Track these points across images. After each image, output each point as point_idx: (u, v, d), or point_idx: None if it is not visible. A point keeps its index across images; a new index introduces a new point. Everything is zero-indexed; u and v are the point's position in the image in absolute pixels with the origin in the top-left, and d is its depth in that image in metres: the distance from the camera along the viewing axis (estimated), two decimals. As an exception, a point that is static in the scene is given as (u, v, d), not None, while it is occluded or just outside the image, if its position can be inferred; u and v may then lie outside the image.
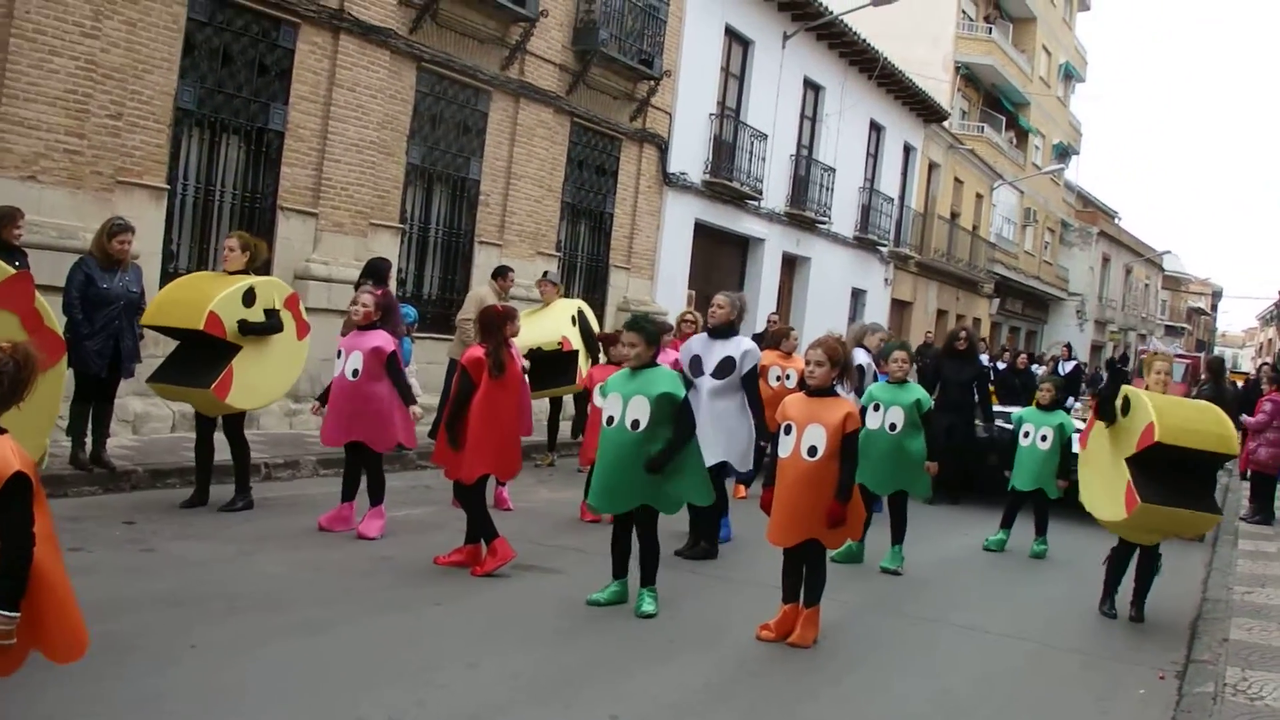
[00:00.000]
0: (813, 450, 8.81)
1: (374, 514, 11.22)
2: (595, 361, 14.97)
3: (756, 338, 16.64)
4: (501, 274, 17.03)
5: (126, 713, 6.27)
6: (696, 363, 11.74)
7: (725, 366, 11.60)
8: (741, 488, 14.84)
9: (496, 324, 10.55)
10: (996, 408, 18.72)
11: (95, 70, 13.91)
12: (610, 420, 9.28)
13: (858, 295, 39.09)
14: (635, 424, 9.11)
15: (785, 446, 8.98)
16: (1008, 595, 11.81)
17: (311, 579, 9.46)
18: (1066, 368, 32.78)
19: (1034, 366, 30.88)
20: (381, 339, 11.14)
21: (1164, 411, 10.33)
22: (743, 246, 32.08)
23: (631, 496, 9.24)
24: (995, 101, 56.90)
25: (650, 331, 9.37)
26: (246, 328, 11.50)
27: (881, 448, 12.04)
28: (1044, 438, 13.81)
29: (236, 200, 16.53)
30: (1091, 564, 11.46)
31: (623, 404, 9.20)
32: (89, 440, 12.24)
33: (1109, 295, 77.08)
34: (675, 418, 9.21)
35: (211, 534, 10.67)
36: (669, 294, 26.89)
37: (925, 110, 41.66)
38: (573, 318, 16.15)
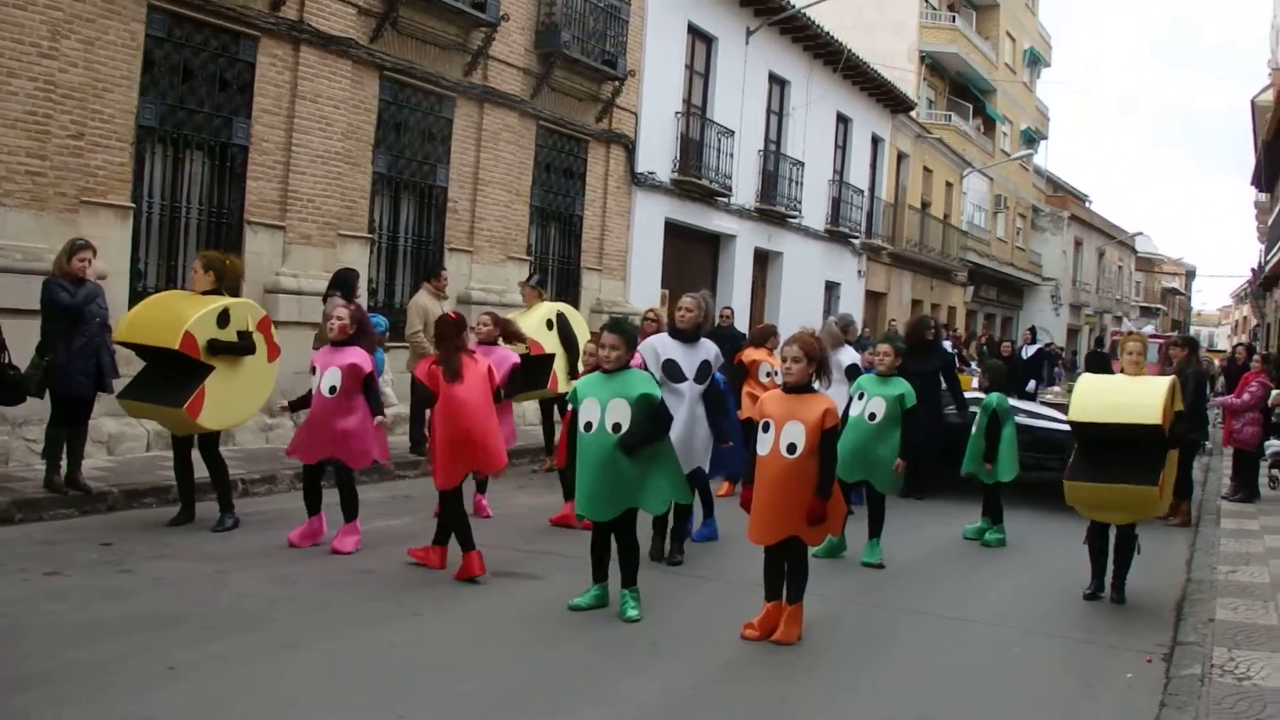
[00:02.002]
0: (792, 448, 8.75)
1: (349, 529, 11.14)
2: (573, 363, 15.04)
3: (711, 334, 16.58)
4: (434, 274, 17.19)
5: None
6: (672, 367, 11.58)
7: (704, 370, 11.63)
8: (728, 485, 14.75)
9: (448, 332, 10.65)
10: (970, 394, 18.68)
11: (54, 90, 13.81)
12: (589, 426, 9.20)
13: (831, 288, 39.08)
14: (617, 427, 9.08)
15: (764, 444, 8.91)
16: (991, 584, 11.78)
17: (290, 595, 9.39)
18: (1029, 351, 32.83)
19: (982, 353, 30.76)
20: (359, 356, 11.03)
21: (1090, 391, 10.87)
22: (714, 244, 32.05)
23: (619, 500, 9.20)
24: (961, 89, 57.01)
25: (631, 334, 9.41)
26: (218, 347, 11.43)
27: (854, 436, 12.10)
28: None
29: (203, 216, 16.42)
30: (1073, 549, 11.44)
31: (601, 408, 9.15)
32: (64, 463, 12.13)
33: (1083, 279, 77.31)
34: (654, 417, 9.21)
35: (189, 553, 10.59)
36: (641, 294, 26.80)
37: (892, 101, 41.69)
38: (549, 321, 16.11)
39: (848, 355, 15.34)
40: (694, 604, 9.97)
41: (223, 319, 11.52)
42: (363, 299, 16.80)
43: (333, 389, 10.89)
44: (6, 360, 11.61)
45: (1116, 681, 8.59)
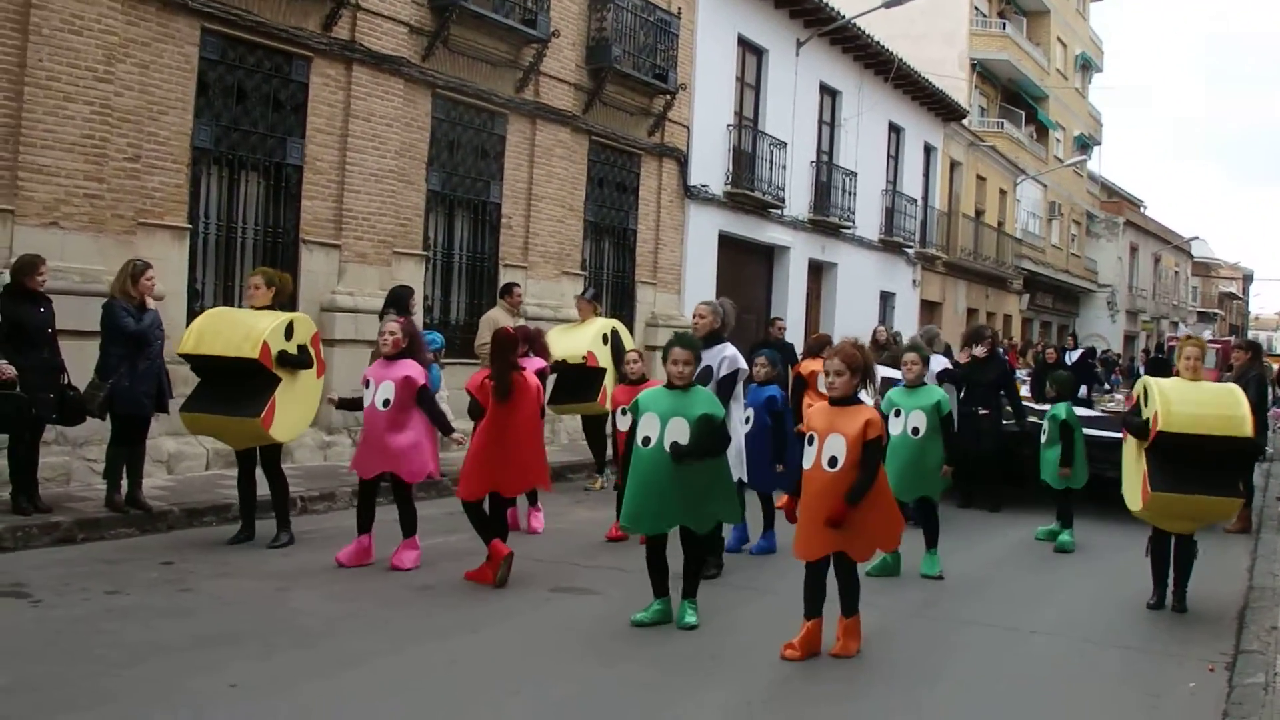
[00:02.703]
0: (833, 461, 8.62)
1: (408, 545, 11.14)
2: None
3: (761, 346, 16.52)
4: (507, 291, 17.23)
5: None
6: None
7: (704, 375, 11.03)
8: (787, 498, 14.65)
9: (506, 347, 10.76)
10: (1039, 406, 18.65)
11: (110, 114, 13.96)
12: (646, 441, 9.10)
13: (886, 298, 38.95)
14: (675, 447, 8.96)
15: (808, 458, 8.81)
16: (1050, 593, 11.71)
17: (349, 612, 9.43)
18: (1073, 356, 32.57)
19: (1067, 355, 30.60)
20: (412, 369, 11.03)
21: (1174, 400, 10.42)
22: (768, 256, 32.00)
23: (669, 518, 9.14)
24: (1013, 96, 56.76)
25: (699, 348, 9.44)
26: (286, 359, 11.53)
27: (905, 454, 11.96)
28: (1043, 432, 14.44)
29: (259, 236, 16.55)
30: (1132, 557, 11.36)
31: (660, 425, 9.04)
32: (124, 482, 12.23)
33: (1139, 285, 76.73)
34: (712, 434, 9.11)
35: (249, 571, 10.66)
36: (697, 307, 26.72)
37: (944, 109, 41.55)
38: (604, 336, 16.11)
39: (937, 362, 15.35)
40: (749, 618, 9.91)
41: (289, 331, 11.62)
42: (418, 316, 16.84)
43: (386, 402, 10.89)
44: (66, 381, 11.74)
45: (1179, 691, 8.51)
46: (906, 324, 36.38)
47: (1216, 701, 8.15)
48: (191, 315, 14.55)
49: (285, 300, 12.24)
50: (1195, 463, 10.24)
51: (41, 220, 13.32)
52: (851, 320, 33.03)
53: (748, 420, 12.21)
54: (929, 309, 42.97)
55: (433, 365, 14.95)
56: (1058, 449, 14.04)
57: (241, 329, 11.49)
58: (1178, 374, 11.14)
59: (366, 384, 11.16)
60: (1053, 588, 12.02)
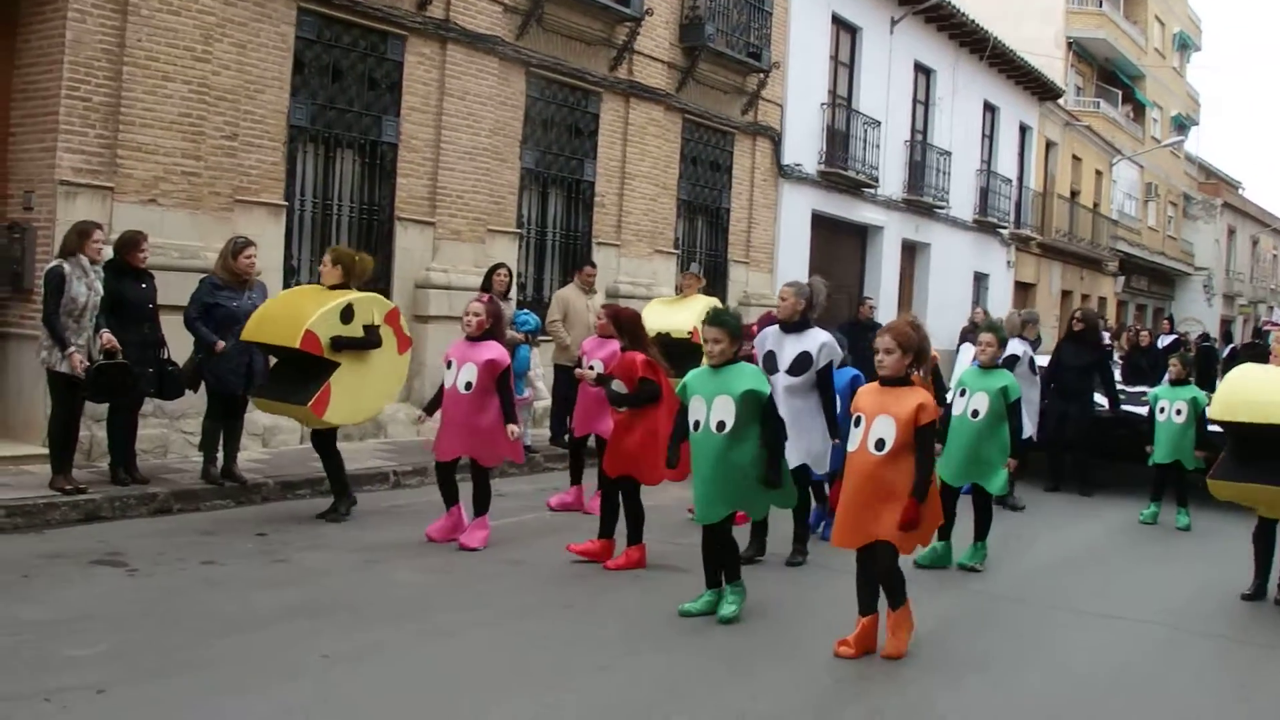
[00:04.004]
0: (880, 444, 8.15)
1: (478, 524, 11.06)
2: None
3: (849, 325, 16.43)
4: (580, 267, 17.25)
5: (262, 724, 6.32)
6: (770, 359, 11.06)
7: (802, 362, 10.91)
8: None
9: (639, 326, 10.88)
10: (1131, 389, 18.56)
11: (208, 93, 14.12)
12: (696, 425, 8.86)
13: (980, 279, 38.70)
14: (720, 425, 8.69)
15: (854, 440, 8.35)
16: (1142, 580, 11.63)
17: (440, 586, 9.53)
18: (1165, 341, 32.19)
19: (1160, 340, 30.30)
20: (496, 351, 10.93)
21: (1234, 388, 10.44)
22: (861, 235, 31.89)
23: (725, 503, 8.85)
24: (1110, 76, 56.17)
25: (734, 325, 8.97)
26: (341, 343, 11.41)
27: (960, 436, 11.35)
28: (1178, 412, 14.36)
29: (354, 213, 16.71)
30: (1232, 544, 11.22)
31: (706, 405, 8.77)
32: (220, 455, 12.40)
33: (1236, 268, 75.70)
34: (763, 418, 8.77)
35: (342, 544, 10.77)
36: (789, 286, 26.66)
37: (1039, 88, 41.14)
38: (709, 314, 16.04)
39: (1015, 346, 14.99)
40: (832, 604, 9.79)
41: (346, 314, 11.48)
42: (512, 294, 16.90)
43: (469, 385, 10.80)
44: (166, 356, 11.89)
45: (1272, 684, 8.44)
46: (1000, 306, 36.10)
47: (1310, 692, 8.08)
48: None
49: (364, 278, 12.21)
50: (1261, 452, 10.14)
51: (140, 197, 13.49)
52: (944, 301, 32.96)
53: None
54: (1023, 290, 42.65)
55: (522, 345, 15.03)
56: (1192, 430, 14.09)
57: (293, 315, 11.48)
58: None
59: (449, 364, 11.08)
60: (1148, 574, 11.94)
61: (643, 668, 7.79)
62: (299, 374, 11.52)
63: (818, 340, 11.00)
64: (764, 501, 9.12)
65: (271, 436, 14.81)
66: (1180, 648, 9.19)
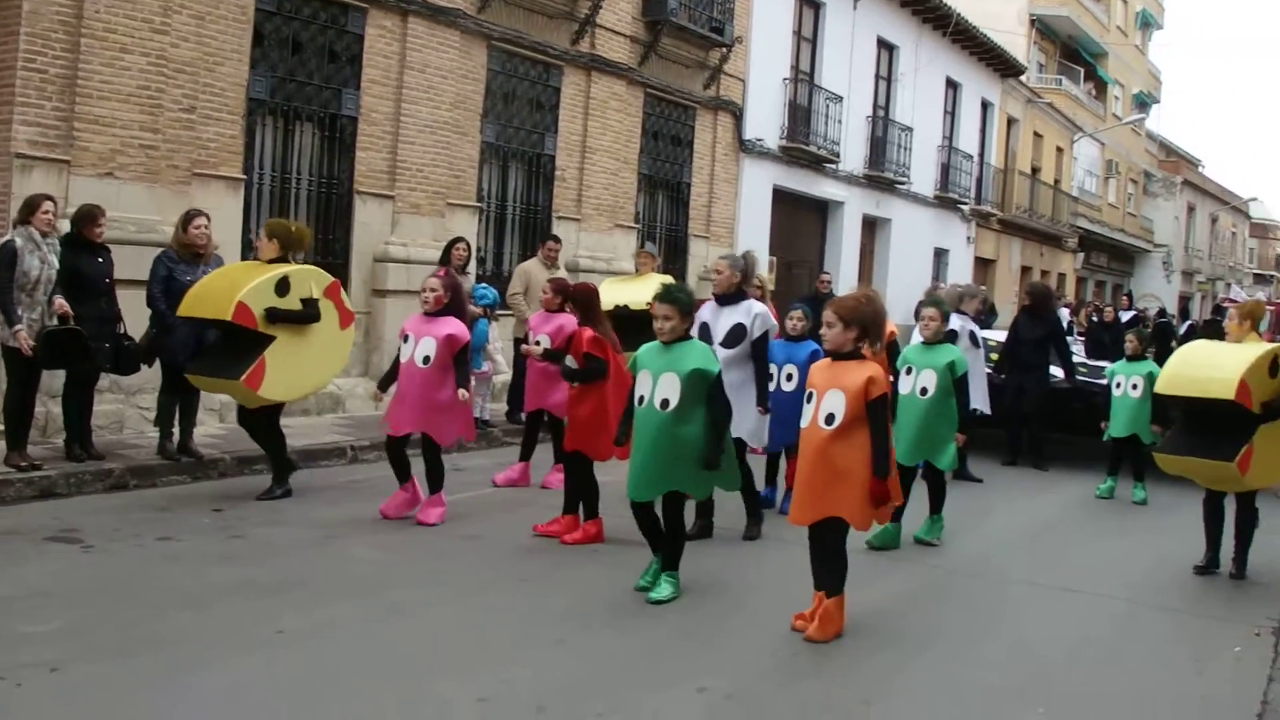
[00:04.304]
0: (830, 418, 8.00)
1: (433, 501, 10.98)
2: None
3: (810, 300, 16.40)
4: (543, 242, 17.22)
5: (215, 699, 6.32)
6: (705, 331, 10.80)
7: (736, 334, 10.80)
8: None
9: (594, 301, 10.74)
10: (1092, 363, 18.76)
11: (166, 65, 14.00)
12: (640, 400, 8.76)
13: (940, 255, 38.84)
14: (665, 403, 8.58)
15: (806, 415, 8.22)
16: (1099, 554, 11.70)
17: (397, 561, 9.52)
18: (1126, 317, 32.34)
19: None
20: (456, 327, 10.80)
21: (1180, 361, 10.59)
22: (822, 210, 31.96)
23: (663, 481, 8.73)
24: (1072, 53, 56.28)
25: (685, 302, 8.82)
26: (277, 315, 11.15)
27: (911, 415, 11.14)
28: (1134, 386, 14.55)
29: (313, 187, 16.64)
30: (1187, 518, 11.29)
31: (652, 381, 8.67)
32: (176, 430, 12.34)
33: (1195, 245, 76.08)
34: (710, 398, 8.65)
35: (299, 519, 10.74)
36: (750, 262, 26.65)
37: (1001, 65, 41.23)
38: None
39: (954, 321, 14.88)
40: (787, 578, 9.81)
41: (281, 287, 11.21)
42: (471, 268, 16.87)
43: (426, 359, 10.65)
44: (123, 331, 11.82)
45: (1224, 655, 8.49)
46: (960, 280, 36.15)
47: (1262, 665, 8.15)
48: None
49: (302, 250, 12.10)
50: (1203, 425, 10.31)
51: (97, 171, 13.39)
52: (905, 277, 33.04)
53: (790, 378, 11.65)
54: (983, 266, 42.80)
55: (481, 319, 15.02)
56: (1148, 405, 14.09)
57: (226, 289, 11.19)
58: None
59: (405, 338, 10.92)
60: (1105, 547, 12.02)
61: (600, 642, 7.81)
62: (235, 349, 11.27)
63: (752, 311, 10.90)
64: (705, 483, 9.00)
65: (228, 412, 14.69)
66: (1137, 621, 9.29)
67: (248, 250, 15.23)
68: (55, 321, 11.07)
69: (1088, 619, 9.23)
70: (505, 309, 16.67)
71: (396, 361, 11.06)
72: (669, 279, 13.85)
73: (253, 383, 11.05)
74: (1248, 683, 7.81)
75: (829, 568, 8.20)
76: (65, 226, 11.71)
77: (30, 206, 11.10)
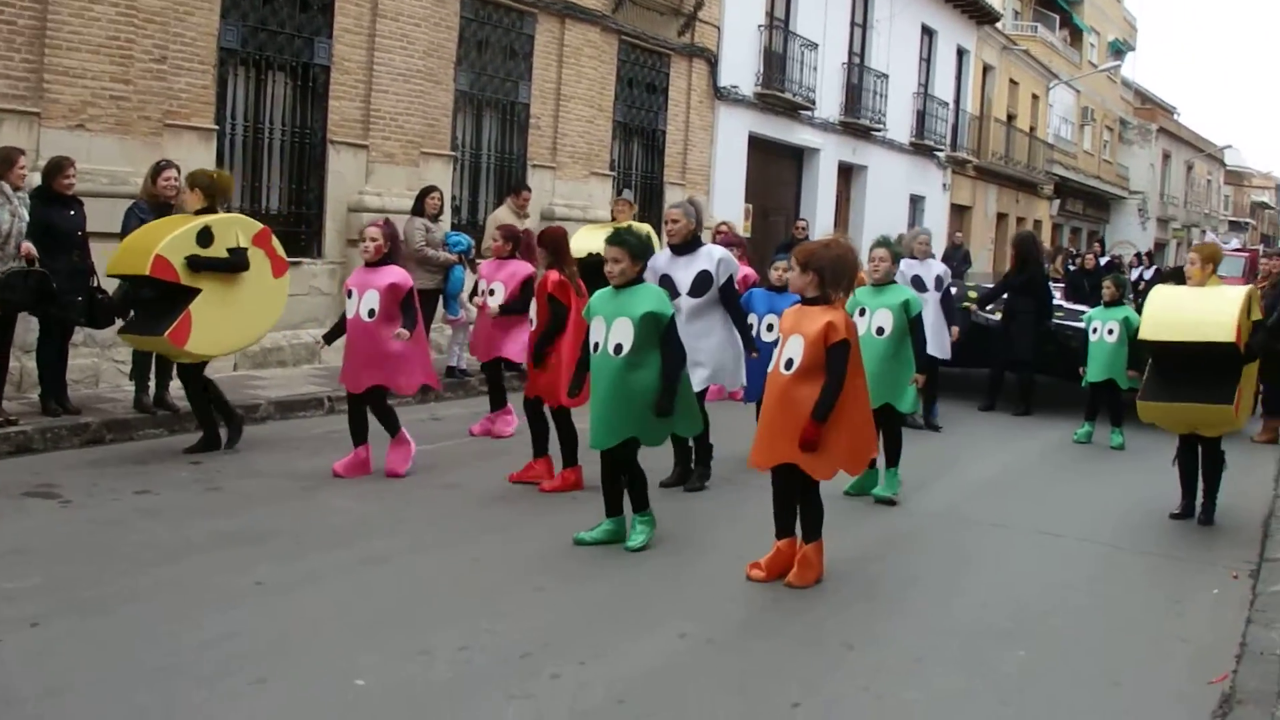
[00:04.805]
0: (789, 363, 7.93)
1: (397, 444, 10.81)
2: None
3: (787, 246, 16.23)
4: (515, 191, 17.09)
5: (196, 651, 6.29)
6: (667, 283, 10.50)
7: (703, 281, 10.55)
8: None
9: (564, 246, 10.53)
10: (1070, 307, 18.91)
11: (136, 15, 13.86)
12: (595, 346, 8.63)
13: (916, 202, 38.81)
14: (618, 348, 8.46)
15: (773, 359, 8.20)
16: (1077, 499, 11.73)
17: (375, 512, 9.49)
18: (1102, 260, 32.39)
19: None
20: (398, 275, 10.54)
21: (1158, 307, 10.46)
22: (798, 158, 31.91)
23: (621, 428, 8.57)
24: (1048, 0, 56.19)
25: (634, 245, 8.64)
26: (200, 264, 10.79)
27: (869, 355, 9.96)
28: (1110, 331, 14.59)
29: (286, 137, 16.52)
30: (1164, 462, 11.31)
31: (606, 327, 8.54)
32: (152, 384, 12.27)
33: (1170, 192, 76.29)
34: (663, 341, 8.52)
35: (277, 471, 10.72)
36: (725, 209, 26.56)
37: (977, 12, 41.09)
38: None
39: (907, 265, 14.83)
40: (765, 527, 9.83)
41: (204, 238, 10.83)
42: (446, 217, 16.80)
43: (371, 312, 10.40)
44: (96, 284, 11.70)
45: (1202, 597, 8.53)
46: (936, 227, 36.19)
47: (1239, 608, 8.15)
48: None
49: (227, 198, 11.86)
50: (1186, 370, 10.20)
51: (68, 123, 13.28)
52: (881, 223, 32.92)
53: (770, 328, 11.25)
54: (959, 213, 42.81)
55: (456, 266, 14.97)
56: (1125, 350, 14.25)
57: (147, 244, 10.83)
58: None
59: (349, 294, 10.64)
60: (1082, 492, 12.06)
61: (579, 590, 7.80)
62: (163, 305, 10.92)
63: (714, 257, 10.66)
64: (663, 429, 8.79)
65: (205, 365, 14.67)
66: (1116, 564, 9.32)
67: (221, 200, 15.12)
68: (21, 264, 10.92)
69: (1067, 563, 9.27)
70: (482, 256, 16.59)
71: (343, 317, 10.80)
72: (647, 226, 13.80)
73: (178, 338, 10.73)
74: (1226, 624, 7.83)
75: (804, 513, 8.19)
76: (36, 180, 11.59)
77: (6, 161, 10.92)
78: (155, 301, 11.05)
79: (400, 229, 14.14)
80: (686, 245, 10.74)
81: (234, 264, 11.07)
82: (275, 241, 11.64)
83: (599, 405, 8.60)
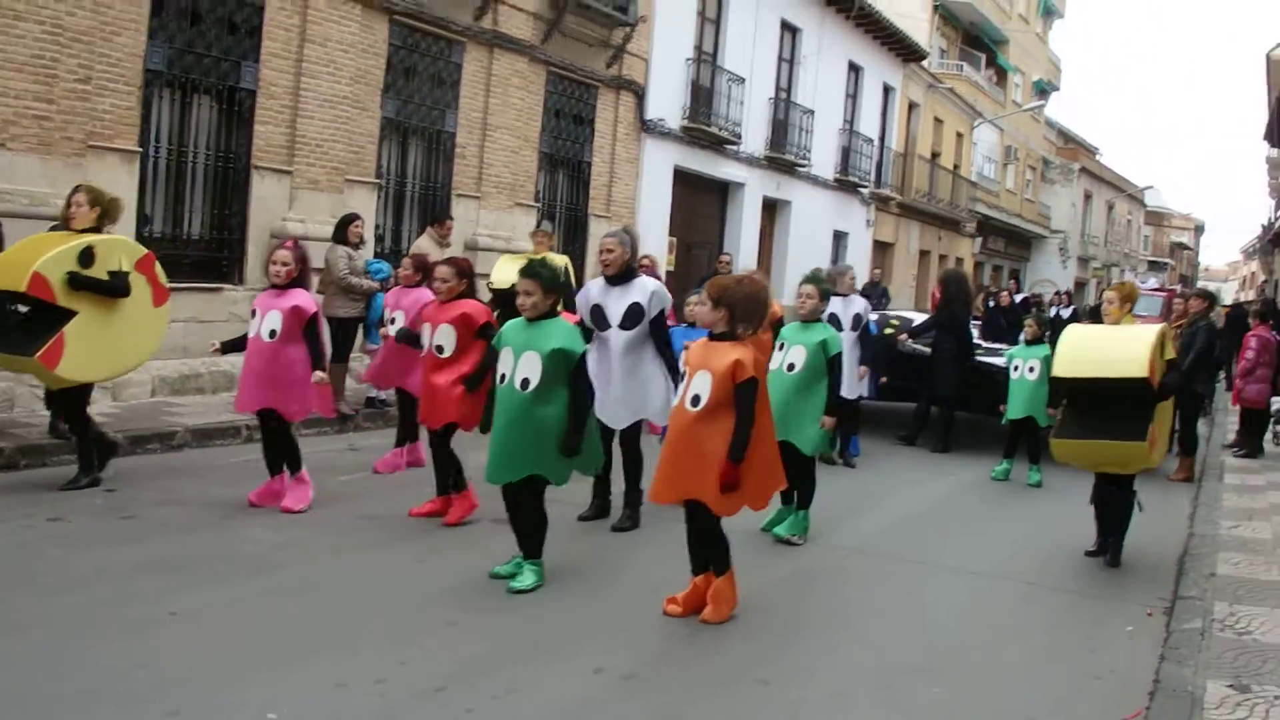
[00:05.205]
0: (696, 399, 7.84)
1: (296, 483, 10.56)
2: None
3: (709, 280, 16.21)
4: (438, 220, 17.02)
5: (107, 681, 6.22)
6: (599, 314, 10.55)
7: (634, 314, 10.44)
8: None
9: (472, 272, 10.47)
10: (989, 345, 19.17)
11: (62, 34, 13.74)
12: (502, 378, 8.48)
13: (839, 238, 38.97)
14: (525, 383, 8.31)
15: (678, 394, 8.12)
16: (994, 536, 11.83)
17: (292, 541, 9.40)
18: (1017, 299, 32.61)
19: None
20: (302, 298, 10.29)
21: (1071, 344, 10.47)
22: (723, 192, 31.99)
23: (522, 465, 8.43)
24: (974, 39, 56.66)
25: (546, 278, 8.49)
26: (80, 283, 10.32)
27: (775, 390, 10.14)
28: (1031, 369, 14.79)
29: (210, 161, 16.39)
30: (1079, 502, 11.40)
31: (514, 360, 8.41)
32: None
33: (1091, 232, 77.09)
34: (572, 379, 8.45)
35: (193, 499, 10.60)
36: (650, 242, 26.51)
37: (904, 50, 41.42)
38: (557, 271, 15.94)
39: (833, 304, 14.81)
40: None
41: (86, 258, 10.38)
42: (369, 245, 16.75)
43: (273, 333, 10.14)
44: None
45: (1118, 634, 8.61)
46: (859, 264, 36.38)
47: (1154, 645, 8.25)
48: (140, 240, 14.46)
49: (114, 223, 11.29)
50: (1099, 408, 10.23)
51: (-11, 141, 13.15)
52: (804, 259, 33.06)
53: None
54: (882, 249, 43.06)
55: (378, 294, 14.91)
56: (1045, 388, 14.29)
57: (26, 259, 10.29)
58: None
59: (254, 313, 10.38)
60: (999, 529, 12.18)
61: (494, 623, 7.76)
62: (37, 324, 10.47)
63: (647, 289, 10.55)
64: (564, 467, 8.63)
65: (121, 390, 14.52)
66: (1032, 601, 9.40)
67: (143, 224, 15.07)
68: None
69: (984, 599, 9.35)
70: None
71: (244, 335, 10.49)
72: (565, 258, 13.72)
73: (49, 360, 10.25)
74: (1141, 661, 7.91)
75: (710, 547, 8.17)
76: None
77: None
78: (29, 321, 10.63)
79: (323, 256, 14.12)
80: (621, 276, 10.61)
81: (114, 287, 10.63)
82: (159, 269, 11.16)
83: (499, 438, 8.47)
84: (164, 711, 5.91)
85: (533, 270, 8.50)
